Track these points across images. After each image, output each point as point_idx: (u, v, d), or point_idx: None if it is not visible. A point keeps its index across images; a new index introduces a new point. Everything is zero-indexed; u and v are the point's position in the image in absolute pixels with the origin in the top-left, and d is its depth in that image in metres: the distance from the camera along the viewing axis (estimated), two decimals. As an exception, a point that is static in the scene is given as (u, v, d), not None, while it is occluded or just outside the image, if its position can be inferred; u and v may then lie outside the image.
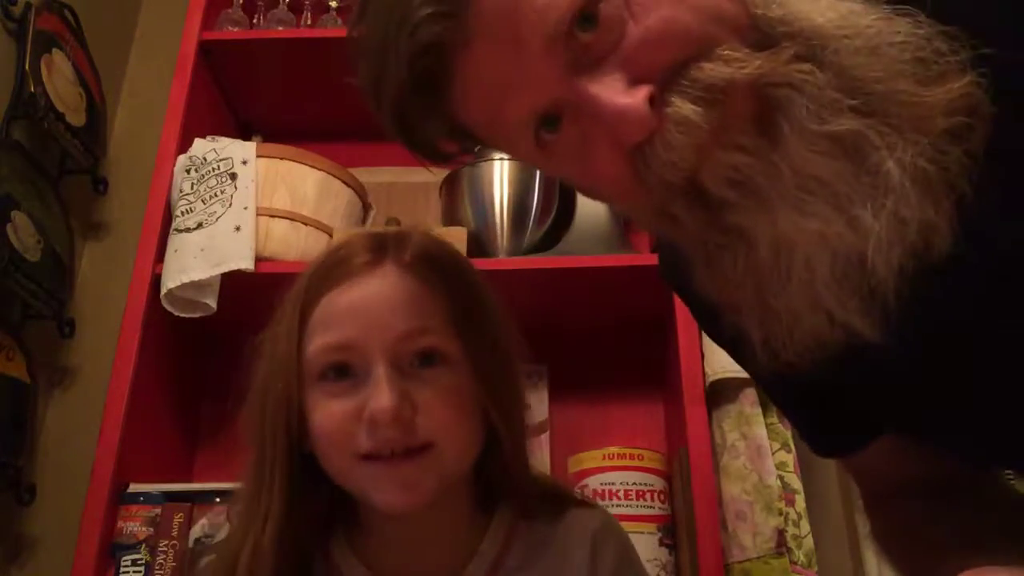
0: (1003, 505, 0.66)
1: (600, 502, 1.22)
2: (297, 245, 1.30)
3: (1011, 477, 0.71)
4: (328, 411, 0.67)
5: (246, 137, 1.52)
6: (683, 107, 0.47)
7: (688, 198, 0.50)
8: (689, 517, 1.14)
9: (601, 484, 1.23)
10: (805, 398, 0.68)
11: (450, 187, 1.42)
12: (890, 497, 0.69)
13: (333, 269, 0.71)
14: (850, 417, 0.66)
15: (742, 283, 0.51)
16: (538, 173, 1.40)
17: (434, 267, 0.71)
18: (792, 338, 0.50)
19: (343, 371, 0.67)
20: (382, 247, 0.71)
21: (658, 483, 1.25)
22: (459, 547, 0.73)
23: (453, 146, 0.62)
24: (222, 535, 0.73)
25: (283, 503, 0.68)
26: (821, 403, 0.66)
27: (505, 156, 1.40)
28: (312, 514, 0.71)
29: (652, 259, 1.31)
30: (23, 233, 1.34)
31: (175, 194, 1.30)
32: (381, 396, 0.64)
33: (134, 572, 1.11)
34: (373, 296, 0.69)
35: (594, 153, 0.51)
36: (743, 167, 0.47)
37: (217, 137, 1.35)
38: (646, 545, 1.19)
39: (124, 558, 1.12)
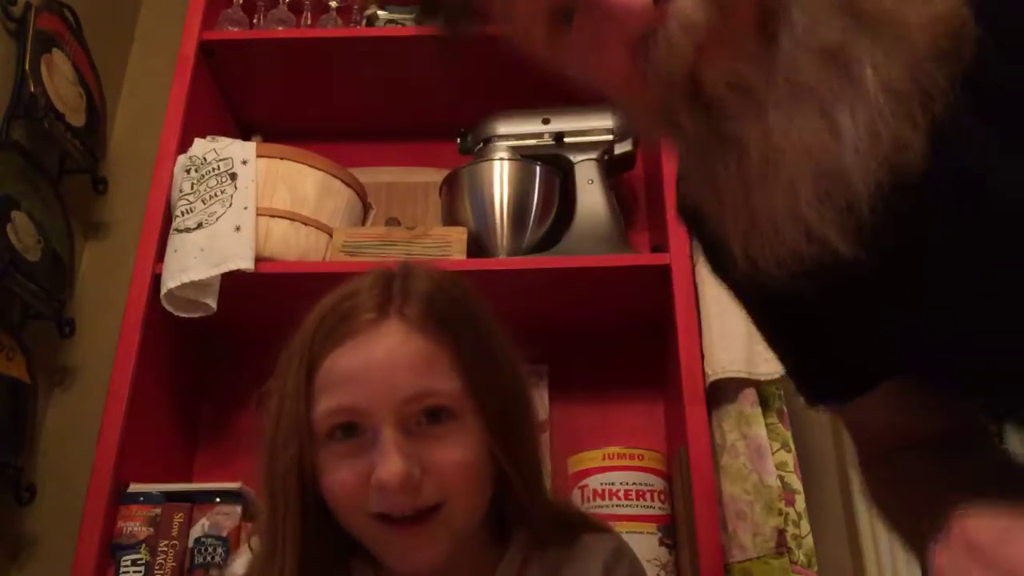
0: (1001, 460, 0.66)
1: (600, 502, 1.22)
2: (297, 245, 1.30)
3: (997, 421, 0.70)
4: (338, 475, 0.67)
5: (246, 137, 1.52)
6: (686, 4, 0.49)
7: (688, 100, 0.51)
8: (689, 517, 1.14)
9: (601, 484, 1.23)
10: (791, 334, 0.68)
11: (450, 187, 1.42)
12: (885, 452, 0.69)
13: (338, 326, 0.70)
14: (837, 363, 0.66)
15: (731, 189, 0.53)
16: (538, 173, 1.40)
17: (441, 319, 0.70)
18: (772, 247, 0.51)
19: (350, 430, 0.67)
20: (387, 300, 0.70)
21: (658, 483, 1.25)
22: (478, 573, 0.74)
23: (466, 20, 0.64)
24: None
25: (296, 559, 0.68)
26: (807, 341, 0.66)
27: (505, 156, 1.40)
28: (329, 553, 0.71)
29: (652, 259, 1.32)
30: (23, 233, 1.34)
31: (175, 194, 1.30)
32: (388, 462, 0.64)
33: (134, 572, 1.11)
34: (378, 359, 0.68)
35: (603, 49, 0.53)
36: (742, 71, 0.49)
37: (217, 137, 1.35)
38: (646, 545, 1.19)
39: (124, 558, 1.12)
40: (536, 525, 0.75)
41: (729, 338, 1.25)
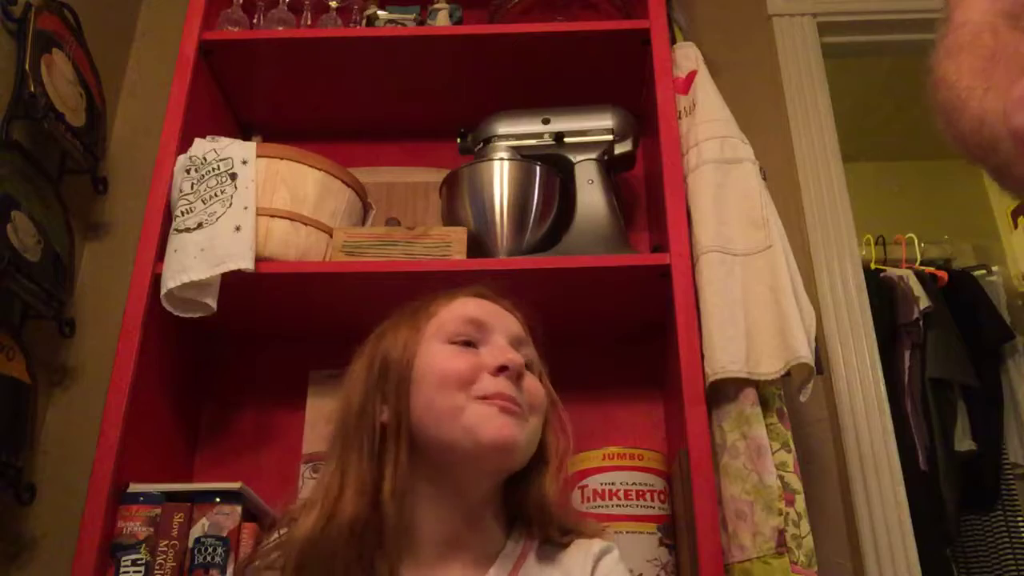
0: None
1: (600, 502, 1.22)
2: (297, 245, 1.30)
3: None
4: (456, 358, 0.81)
5: (246, 137, 1.52)
6: None
7: None
8: (689, 517, 1.14)
9: (601, 484, 1.23)
10: None
11: (450, 187, 1.42)
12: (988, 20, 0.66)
13: (456, 293, 0.88)
14: None
15: None
16: (538, 173, 1.40)
17: (526, 320, 0.90)
18: None
19: (468, 343, 0.83)
20: (490, 294, 0.90)
21: (658, 483, 1.25)
22: (479, 558, 0.81)
23: None
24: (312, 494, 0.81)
25: (410, 444, 0.78)
26: None
27: (505, 156, 1.40)
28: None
29: (652, 259, 1.32)
30: (23, 233, 1.34)
31: (175, 194, 1.30)
32: (510, 352, 0.82)
33: (134, 572, 1.11)
34: (497, 310, 0.88)
35: None
36: None
37: (217, 137, 1.35)
38: (646, 545, 1.19)
39: (124, 558, 1.12)
40: (538, 523, 0.84)
41: (729, 338, 1.25)
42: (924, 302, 2.13)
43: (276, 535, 0.81)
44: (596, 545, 0.85)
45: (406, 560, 0.79)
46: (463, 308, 0.85)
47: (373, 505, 0.76)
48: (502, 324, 0.85)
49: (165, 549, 1.13)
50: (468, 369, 0.80)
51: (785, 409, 1.28)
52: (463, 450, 0.78)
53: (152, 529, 1.14)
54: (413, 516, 0.80)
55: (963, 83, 0.64)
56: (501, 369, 0.79)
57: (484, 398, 0.78)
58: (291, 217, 1.30)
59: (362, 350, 0.88)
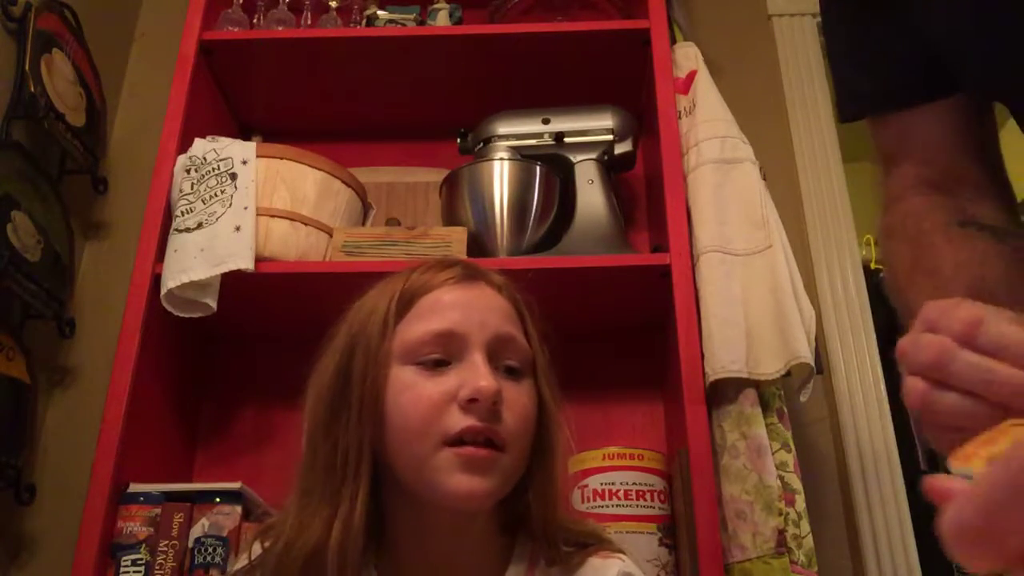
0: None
1: (600, 502, 1.22)
2: (297, 245, 1.30)
3: None
4: (422, 390, 0.71)
5: (246, 137, 1.52)
6: None
7: None
8: (689, 517, 1.14)
9: (601, 484, 1.23)
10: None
11: (450, 187, 1.42)
12: (915, 188, 0.67)
13: (437, 274, 0.77)
14: (901, 59, 0.65)
15: None
16: (538, 173, 1.40)
17: (515, 299, 0.80)
18: None
19: (439, 362, 0.72)
20: (474, 271, 0.79)
21: (658, 483, 1.25)
22: (485, 572, 0.76)
23: None
24: (280, 524, 0.73)
25: (368, 481, 0.70)
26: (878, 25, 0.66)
27: (505, 156, 1.40)
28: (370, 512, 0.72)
29: (652, 259, 1.32)
30: (23, 233, 1.34)
31: (175, 194, 1.30)
32: (483, 377, 0.70)
33: (134, 572, 1.11)
34: (475, 298, 0.76)
35: None
36: None
37: (217, 137, 1.35)
38: (646, 545, 1.19)
39: (124, 558, 1.12)
40: (543, 537, 0.76)
41: (729, 338, 1.25)
42: (924, 302, 2.13)
43: (256, 549, 0.75)
44: (613, 568, 0.78)
45: None
46: (433, 315, 0.74)
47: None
48: (482, 325, 0.73)
49: (165, 549, 1.13)
50: (432, 407, 0.70)
51: (785, 409, 1.28)
52: (427, 499, 0.71)
53: (152, 529, 1.14)
54: (394, 545, 0.75)
55: (898, 275, 0.67)
56: (471, 401, 0.69)
57: (450, 444, 0.69)
58: (291, 217, 1.30)
59: (335, 338, 0.79)
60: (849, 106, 0.73)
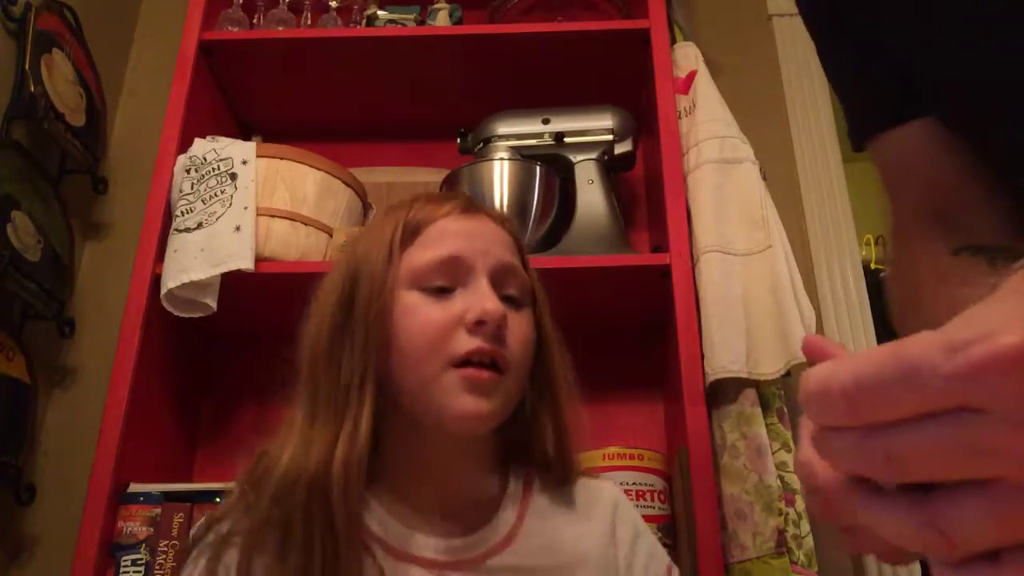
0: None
1: (600, 502, 1.22)
2: (297, 245, 1.30)
3: None
4: (430, 313, 0.72)
5: (246, 137, 1.52)
6: None
7: None
8: (689, 517, 1.14)
9: (601, 484, 1.23)
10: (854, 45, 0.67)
11: (450, 187, 1.42)
12: (914, 218, 0.67)
13: (441, 205, 0.78)
14: (892, 83, 0.65)
15: None
16: (538, 173, 1.40)
17: (514, 232, 0.82)
18: None
19: (443, 289, 0.73)
20: (477, 203, 0.81)
21: (658, 483, 1.25)
22: (481, 498, 0.77)
23: None
24: (279, 449, 0.72)
25: (372, 404, 0.70)
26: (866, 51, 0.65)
27: (505, 156, 1.40)
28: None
29: (652, 259, 1.32)
30: (23, 233, 1.34)
31: (175, 194, 1.30)
32: (491, 300, 0.72)
33: (134, 572, 1.11)
34: (479, 228, 0.78)
35: None
36: None
37: (217, 137, 1.35)
38: (646, 545, 1.19)
39: (124, 558, 1.12)
40: (544, 464, 0.79)
41: (729, 338, 1.25)
42: (924, 302, 2.13)
43: (244, 482, 0.75)
44: (608, 491, 0.83)
45: (386, 515, 0.74)
46: (439, 242, 0.75)
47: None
48: (485, 253, 0.75)
49: (165, 549, 1.13)
50: (439, 330, 0.71)
51: (785, 409, 1.28)
52: (429, 422, 0.72)
53: (152, 529, 1.14)
54: (391, 474, 0.75)
55: (895, 317, 0.67)
56: (478, 324, 0.71)
57: (456, 366, 0.70)
58: (291, 217, 1.30)
59: (337, 267, 0.80)
60: (851, 137, 0.74)
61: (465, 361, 0.70)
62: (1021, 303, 0.28)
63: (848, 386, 0.28)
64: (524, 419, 0.78)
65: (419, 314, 0.72)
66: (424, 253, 0.75)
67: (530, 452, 0.80)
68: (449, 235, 0.76)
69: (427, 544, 0.73)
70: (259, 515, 0.70)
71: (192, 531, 0.79)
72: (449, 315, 0.72)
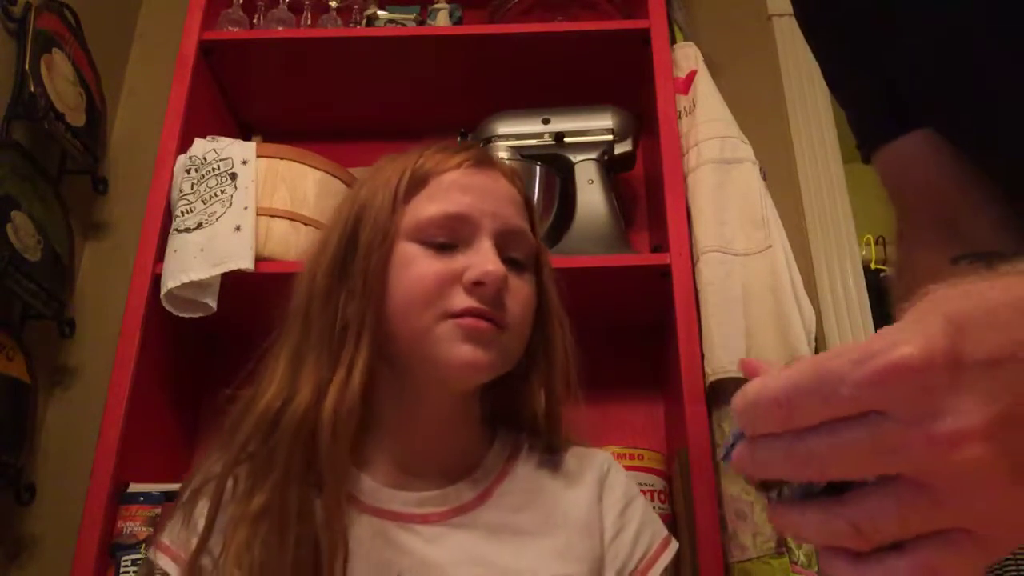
0: None
1: (600, 502, 1.22)
2: (297, 245, 1.30)
3: None
4: (428, 266, 0.70)
5: (246, 137, 1.52)
6: None
7: None
8: (689, 517, 1.14)
9: (601, 484, 1.23)
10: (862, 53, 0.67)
11: (450, 187, 1.42)
12: (918, 227, 0.67)
13: (452, 156, 0.76)
14: (892, 98, 0.65)
15: None
16: (538, 173, 1.40)
17: (522, 189, 0.79)
18: None
19: (445, 245, 0.72)
20: (489, 156, 0.79)
21: (658, 483, 1.25)
22: (463, 458, 0.76)
23: None
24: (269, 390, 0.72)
25: (368, 351, 0.69)
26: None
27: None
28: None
29: (652, 259, 1.32)
30: (23, 233, 1.34)
31: (175, 194, 1.30)
32: (493, 261, 0.70)
33: (134, 572, 1.11)
34: (488, 185, 0.75)
35: None
36: None
37: (217, 137, 1.35)
38: (646, 545, 1.19)
39: (124, 558, 1.12)
40: (535, 429, 0.79)
41: (729, 338, 1.25)
42: (924, 302, 2.12)
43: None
44: (600, 457, 0.81)
45: (363, 470, 0.72)
46: (446, 196, 0.73)
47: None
48: (493, 215, 0.73)
49: (165, 549, 1.13)
50: (437, 283, 0.69)
51: (785, 409, 1.28)
52: (424, 371, 0.71)
53: (152, 529, 1.14)
54: (377, 428, 0.74)
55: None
56: (477, 284, 0.69)
57: (452, 315, 0.69)
58: (291, 217, 1.30)
59: (340, 209, 0.79)
60: (859, 149, 0.74)
61: (461, 314, 0.69)
62: (926, 319, 0.31)
63: (778, 395, 0.32)
64: (515, 383, 0.77)
65: (417, 266, 0.70)
66: (429, 206, 0.73)
67: (519, 417, 0.79)
68: (456, 190, 0.73)
69: (394, 497, 0.72)
70: (232, 456, 0.70)
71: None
72: (447, 270, 0.70)
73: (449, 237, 0.72)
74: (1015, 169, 0.59)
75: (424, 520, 0.71)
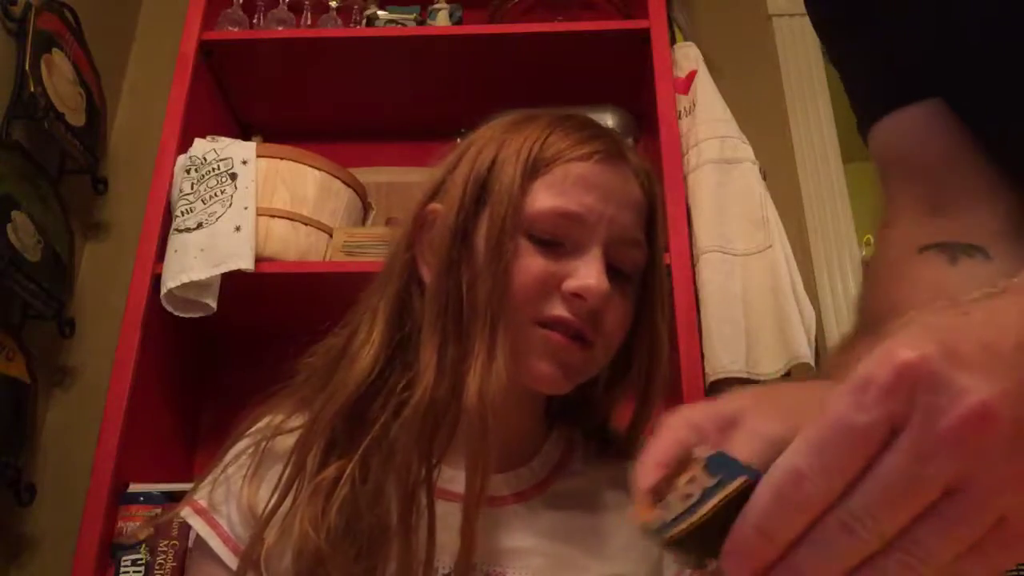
0: None
1: (600, 502, 1.22)
2: (297, 245, 1.30)
3: None
4: (531, 263, 0.66)
5: (246, 137, 1.52)
6: None
7: None
8: (689, 517, 1.14)
9: (601, 484, 1.23)
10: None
11: (450, 187, 1.42)
12: (905, 210, 0.64)
13: (582, 144, 0.70)
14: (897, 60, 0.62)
15: None
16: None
17: (651, 193, 0.74)
18: None
19: (551, 242, 0.67)
20: (622, 147, 0.72)
21: (658, 483, 1.24)
22: (524, 445, 0.75)
23: None
24: None
25: (508, 336, 0.66)
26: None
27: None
28: None
29: (652, 259, 1.32)
30: (23, 233, 1.34)
31: (175, 194, 1.30)
32: (598, 275, 0.66)
33: (134, 572, 1.11)
34: (617, 186, 0.70)
35: None
36: None
37: (217, 137, 1.35)
38: (646, 545, 1.19)
39: (124, 558, 1.12)
40: (588, 430, 0.77)
41: (729, 338, 1.25)
42: (924, 302, 2.13)
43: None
44: None
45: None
46: (565, 191, 0.67)
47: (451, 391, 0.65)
48: (610, 219, 0.68)
49: (165, 549, 1.13)
50: (536, 285, 0.66)
51: (785, 409, 1.28)
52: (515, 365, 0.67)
53: (152, 529, 1.14)
54: None
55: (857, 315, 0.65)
56: (575, 296, 0.65)
57: (543, 323, 0.66)
58: (291, 217, 1.30)
59: (453, 166, 0.73)
60: (859, 129, 0.72)
61: (551, 323, 0.66)
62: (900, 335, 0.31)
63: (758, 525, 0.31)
64: (586, 387, 0.74)
65: (520, 260, 0.66)
66: (546, 198, 0.68)
67: (579, 415, 0.77)
68: (581, 186, 0.68)
69: (457, 478, 0.68)
70: (317, 429, 0.69)
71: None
72: (548, 272, 0.66)
73: (559, 235, 0.67)
74: (1017, 144, 0.57)
75: (488, 503, 0.69)
